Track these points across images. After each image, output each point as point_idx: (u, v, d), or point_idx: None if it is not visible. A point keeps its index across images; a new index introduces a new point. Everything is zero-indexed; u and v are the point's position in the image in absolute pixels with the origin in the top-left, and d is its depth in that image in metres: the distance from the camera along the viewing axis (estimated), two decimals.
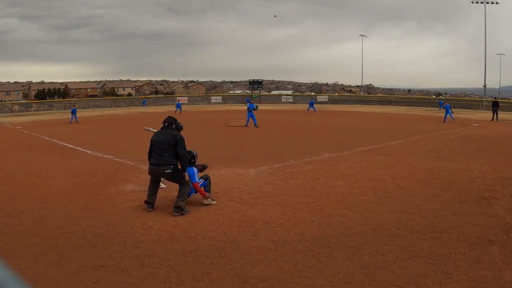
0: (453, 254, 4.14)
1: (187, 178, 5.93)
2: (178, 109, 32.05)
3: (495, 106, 24.52)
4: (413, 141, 14.00)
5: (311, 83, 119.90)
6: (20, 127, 22.79)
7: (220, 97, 52.89)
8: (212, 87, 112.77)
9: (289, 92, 79.29)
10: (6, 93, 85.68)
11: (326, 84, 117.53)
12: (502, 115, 27.88)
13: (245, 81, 74.95)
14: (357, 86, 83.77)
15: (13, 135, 18.63)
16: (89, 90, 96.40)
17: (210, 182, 6.35)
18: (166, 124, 6.01)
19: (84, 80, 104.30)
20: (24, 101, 66.08)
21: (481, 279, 3.57)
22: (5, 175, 8.76)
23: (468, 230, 4.87)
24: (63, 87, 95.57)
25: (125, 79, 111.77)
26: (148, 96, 64.64)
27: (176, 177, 5.81)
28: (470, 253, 4.16)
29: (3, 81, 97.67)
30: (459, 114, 27.06)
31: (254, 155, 11.02)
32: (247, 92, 63.51)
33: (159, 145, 5.76)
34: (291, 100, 50.68)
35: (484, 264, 3.87)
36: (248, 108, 20.10)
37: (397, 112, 32.19)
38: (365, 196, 6.57)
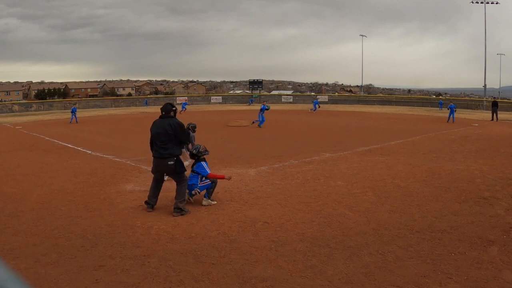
0: (453, 254, 4.14)
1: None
2: (183, 109, 32.37)
3: (494, 106, 24.71)
4: (413, 141, 13.99)
5: (311, 83, 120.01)
6: (20, 127, 22.79)
7: (220, 97, 52.91)
8: (212, 87, 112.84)
9: (289, 92, 79.28)
10: (6, 93, 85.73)
11: (326, 84, 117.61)
12: (502, 115, 27.90)
13: (245, 81, 75.05)
14: (357, 86, 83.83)
15: (13, 135, 18.63)
16: (89, 90, 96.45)
17: (215, 185, 6.24)
18: (164, 112, 5.86)
19: (84, 80, 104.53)
20: (24, 101, 66.12)
21: (481, 279, 3.56)
22: (5, 175, 8.76)
23: (468, 230, 4.87)
24: (63, 87, 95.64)
25: (125, 79, 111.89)
26: (148, 96, 64.67)
27: (178, 170, 5.72)
28: (470, 253, 4.16)
29: (3, 81, 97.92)
30: (459, 114, 27.04)
31: (254, 155, 11.02)
32: (247, 92, 63.54)
33: (159, 137, 5.66)
34: (291, 100, 50.72)
35: (484, 264, 3.87)
36: (261, 109, 20.18)
37: (397, 112, 32.20)
38: (365, 196, 6.57)
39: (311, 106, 34.11)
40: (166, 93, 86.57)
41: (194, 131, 8.82)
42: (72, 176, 8.43)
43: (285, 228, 5.02)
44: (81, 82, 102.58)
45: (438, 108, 36.51)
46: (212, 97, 52.46)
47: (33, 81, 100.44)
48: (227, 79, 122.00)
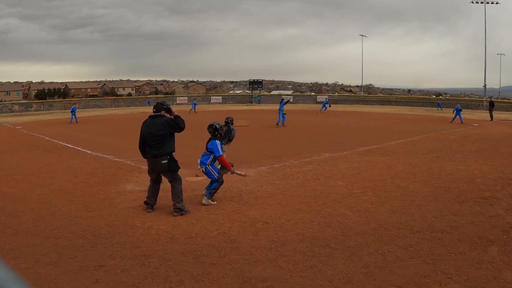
0: (453, 254, 4.14)
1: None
2: (193, 108, 32.73)
3: (491, 106, 25.04)
4: (413, 141, 13.99)
5: (311, 83, 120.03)
6: (20, 127, 22.79)
7: (220, 97, 52.93)
8: (212, 87, 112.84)
9: (289, 92, 79.26)
10: (6, 93, 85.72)
11: (326, 84, 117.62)
12: (502, 115, 27.92)
13: (245, 81, 75.04)
14: (357, 86, 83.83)
15: (13, 135, 18.63)
16: (89, 90, 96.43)
17: (220, 186, 6.21)
18: (155, 110, 5.83)
19: (84, 80, 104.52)
20: (24, 101, 66.10)
21: (481, 279, 3.56)
22: (5, 175, 8.76)
23: (468, 230, 4.87)
24: (63, 87, 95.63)
25: (125, 79, 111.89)
26: (149, 96, 64.71)
27: (173, 167, 5.68)
28: (470, 253, 4.15)
29: (3, 81, 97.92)
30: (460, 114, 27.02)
31: (254, 155, 11.02)
32: (247, 92, 63.54)
33: (151, 137, 5.63)
34: (291, 100, 50.69)
35: (484, 264, 3.87)
36: (280, 108, 20.27)
37: (397, 112, 32.20)
38: (365, 196, 6.57)
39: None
40: (166, 93, 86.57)
41: (232, 124, 9.08)
42: (72, 176, 8.43)
43: (285, 228, 5.02)
44: (81, 82, 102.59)
45: (437, 108, 36.64)
46: (212, 97, 52.47)
47: (33, 81, 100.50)
48: (227, 79, 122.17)
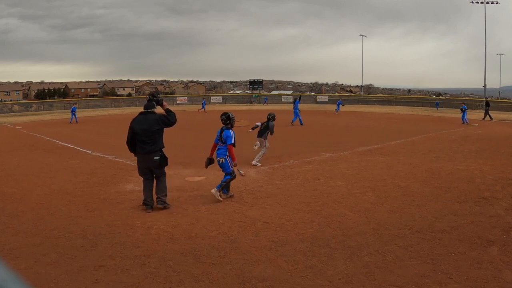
0: (453, 254, 4.14)
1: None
2: (203, 107, 33.30)
3: (486, 106, 25.52)
4: (413, 141, 13.99)
5: (311, 83, 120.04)
6: (20, 127, 22.79)
7: (220, 97, 52.89)
8: (212, 87, 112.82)
9: (289, 92, 79.26)
10: (6, 93, 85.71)
11: (326, 84, 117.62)
12: (502, 115, 27.94)
13: (245, 81, 75.05)
14: (357, 86, 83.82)
15: (13, 135, 18.63)
16: (89, 90, 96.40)
17: (232, 180, 6.39)
18: (147, 106, 6.03)
19: (84, 80, 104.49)
20: (24, 101, 66.09)
21: (481, 279, 3.56)
22: (5, 175, 8.76)
23: (468, 230, 4.87)
24: (63, 87, 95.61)
25: (125, 79, 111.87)
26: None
27: (163, 164, 5.87)
28: (470, 253, 4.16)
29: (3, 81, 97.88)
30: (459, 114, 27.04)
31: (254, 155, 11.02)
32: (247, 92, 63.53)
33: (144, 134, 5.75)
34: (291, 100, 50.68)
35: (484, 264, 3.87)
36: (295, 106, 20.49)
37: (397, 112, 32.20)
38: (365, 196, 6.57)
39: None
40: (166, 93, 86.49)
41: (274, 120, 9.77)
42: (72, 176, 8.43)
43: (285, 228, 5.02)
44: (81, 82, 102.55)
45: (436, 108, 36.74)
46: (212, 97, 52.44)
47: (33, 81, 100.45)
48: (227, 79, 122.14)
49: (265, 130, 9.59)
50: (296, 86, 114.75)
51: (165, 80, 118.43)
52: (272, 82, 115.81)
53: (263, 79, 62.25)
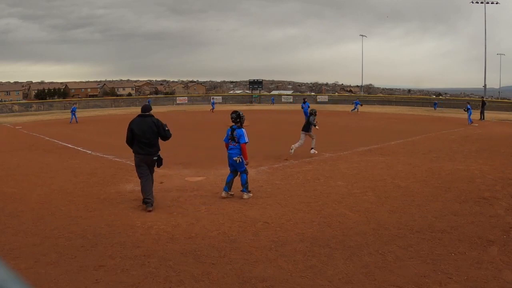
0: (453, 254, 4.14)
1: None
2: (213, 107, 34.33)
3: (482, 106, 25.83)
4: (413, 141, 13.99)
5: (311, 83, 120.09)
6: (20, 127, 22.79)
7: (220, 97, 52.89)
8: (212, 87, 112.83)
9: (289, 92, 79.28)
10: (6, 93, 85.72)
11: (326, 84, 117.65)
12: (502, 115, 27.96)
13: (245, 81, 75.07)
14: (357, 86, 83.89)
15: (13, 135, 18.63)
16: (89, 90, 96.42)
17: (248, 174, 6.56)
18: (144, 109, 6.22)
19: (84, 80, 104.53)
20: (24, 101, 66.10)
21: (481, 279, 3.56)
22: (5, 175, 8.76)
23: (468, 230, 4.87)
24: (63, 87, 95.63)
25: (125, 79, 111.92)
26: (149, 96, 64.73)
27: (159, 164, 6.10)
28: (470, 253, 4.15)
29: (3, 81, 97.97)
30: (460, 114, 27.08)
31: (254, 155, 11.00)
32: (247, 92, 63.56)
33: (144, 135, 5.92)
34: (291, 100, 50.74)
35: (484, 264, 3.87)
36: (305, 108, 20.76)
37: (397, 112, 32.20)
38: (365, 196, 6.57)
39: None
40: (166, 93, 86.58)
41: (315, 115, 11.28)
42: (72, 176, 8.43)
43: (285, 228, 5.02)
44: (81, 82, 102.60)
45: (434, 108, 36.82)
46: (212, 97, 52.43)
47: (33, 81, 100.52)
48: (227, 79, 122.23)
49: (308, 125, 11.06)
50: (296, 86, 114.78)
51: (165, 80, 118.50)
52: (272, 82, 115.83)
53: (263, 79, 62.28)
